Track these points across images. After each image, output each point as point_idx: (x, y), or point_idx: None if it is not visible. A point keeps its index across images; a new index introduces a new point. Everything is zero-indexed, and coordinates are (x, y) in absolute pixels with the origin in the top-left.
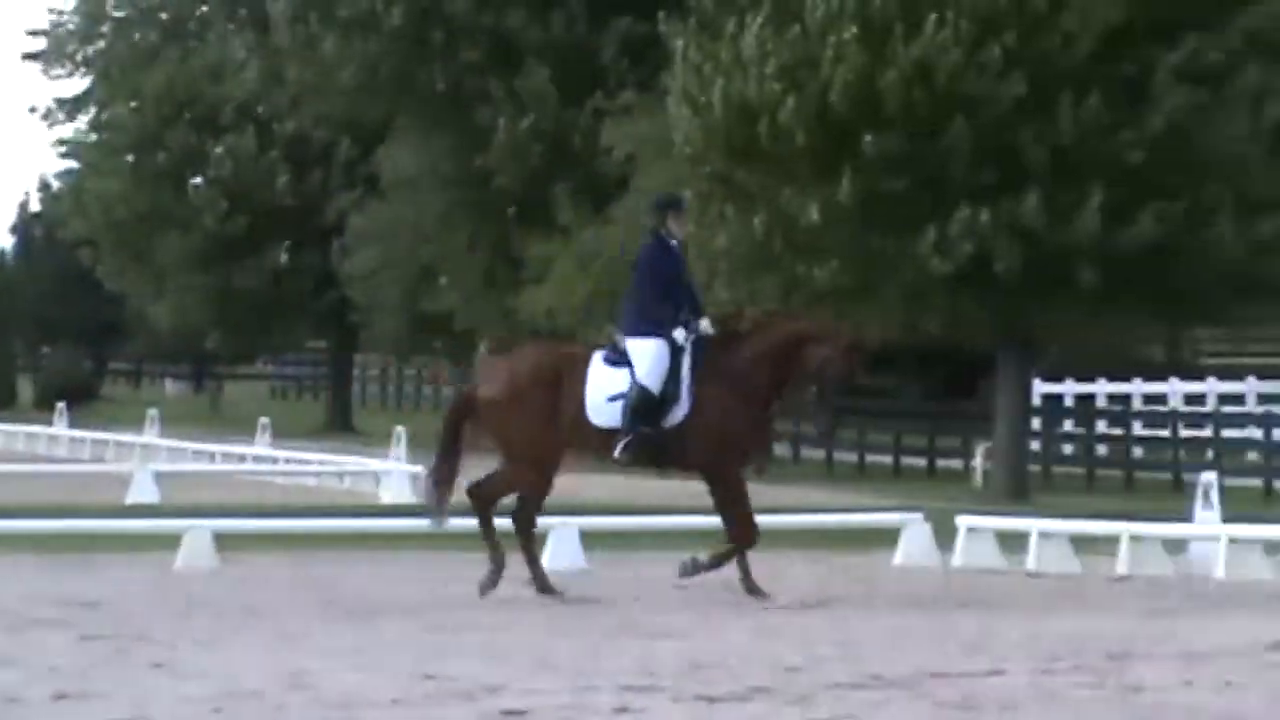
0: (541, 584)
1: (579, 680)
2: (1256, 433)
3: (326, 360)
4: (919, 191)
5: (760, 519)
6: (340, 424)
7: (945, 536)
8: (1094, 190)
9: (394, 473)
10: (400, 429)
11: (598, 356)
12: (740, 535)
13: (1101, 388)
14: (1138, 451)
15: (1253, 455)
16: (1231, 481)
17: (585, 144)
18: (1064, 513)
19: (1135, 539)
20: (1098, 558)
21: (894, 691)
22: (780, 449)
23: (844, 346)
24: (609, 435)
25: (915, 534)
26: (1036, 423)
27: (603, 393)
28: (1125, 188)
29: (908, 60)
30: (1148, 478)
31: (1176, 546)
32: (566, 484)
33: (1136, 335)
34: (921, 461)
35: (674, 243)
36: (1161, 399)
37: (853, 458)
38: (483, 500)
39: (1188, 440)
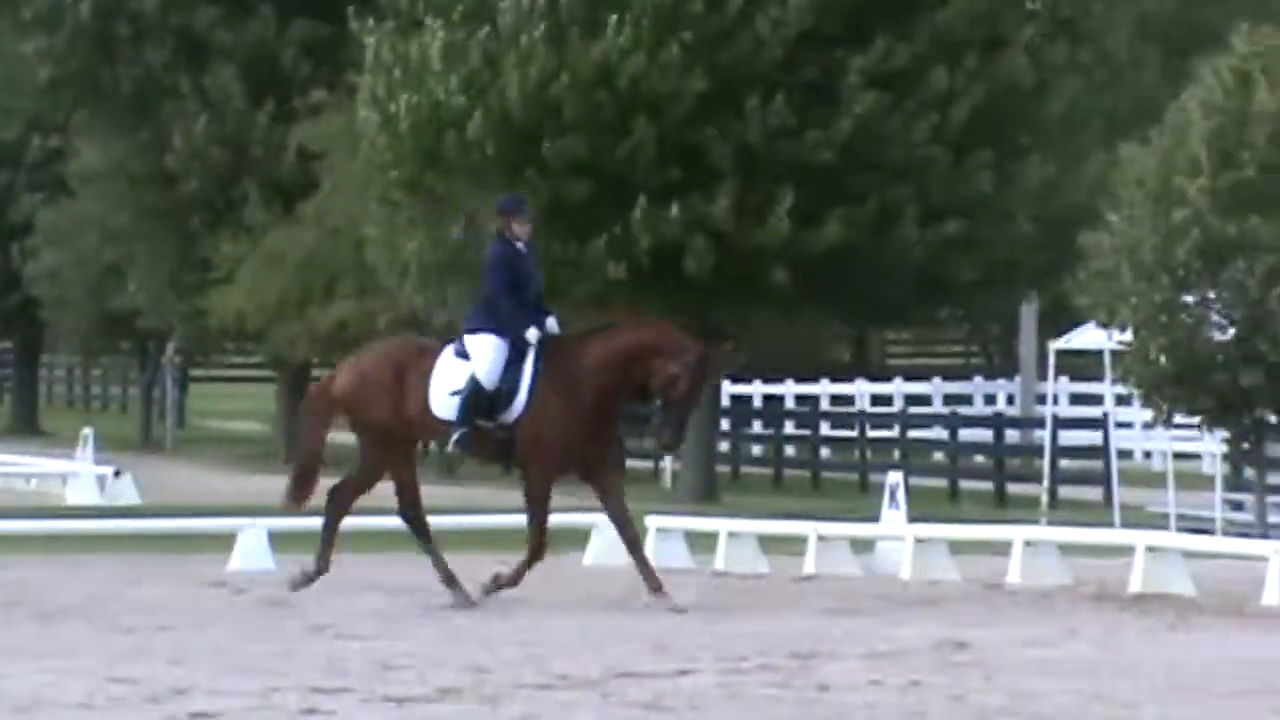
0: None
1: (267, 682)
2: (942, 433)
3: (12, 360)
4: (603, 194)
5: (447, 520)
6: (26, 425)
7: None
8: (784, 192)
9: (81, 474)
10: (88, 430)
11: (448, 350)
12: (531, 544)
13: (789, 389)
14: (825, 452)
15: (938, 455)
16: (917, 481)
17: (269, 144)
18: (752, 513)
19: (822, 539)
20: (785, 558)
21: (582, 692)
22: None
23: (691, 363)
24: (449, 427)
25: (603, 535)
26: (725, 424)
27: (446, 386)
28: (814, 190)
29: (588, 62)
30: (835, 478)
31: (863, 546)
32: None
33: (825, 336)
34: None
35: (520, 244)
36: (849, 400)
37: None
38: (337, 504)
39: (874, 441)
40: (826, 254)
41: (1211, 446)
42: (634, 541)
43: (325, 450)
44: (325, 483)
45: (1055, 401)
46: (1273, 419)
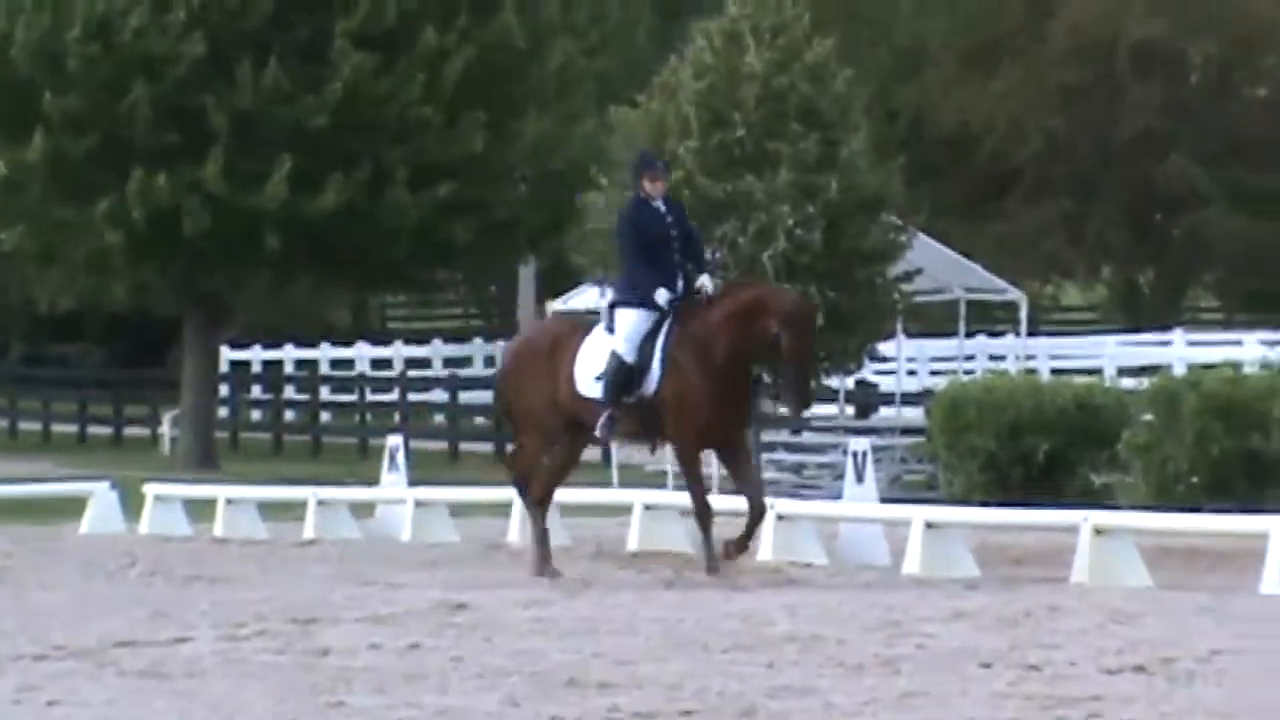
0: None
1: None
2: (443, 395)
3: None
4: (103, 155)
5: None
6: None
7: (134, 505)
8: (281, 156)
9: None
10: None
11: (599, 327)
12: (697, 511)
13: (289, 354)
14: (326, 417)
15: (439, 418)
16: (418, 444)
17: None
18: (251, 479)
19: (323, 503)
20: (286, 523)
21: (78, 662)
22: None
23: (787, 318)
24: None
25: (102, 503)
26: (225, 390)
27: (593, 365)
28: (311, 154)
29: (92, 15)
30: (336, 442)
31: (364, 510)
32: None
33: (325, 301)
34: (109, 430)
35: (657, 202)
36: (349, 364)
37: (37, 426)
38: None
39: (375, 404)
40: (324, 218)
41: None
42: (761, 513)
43: None
44: None
45: None
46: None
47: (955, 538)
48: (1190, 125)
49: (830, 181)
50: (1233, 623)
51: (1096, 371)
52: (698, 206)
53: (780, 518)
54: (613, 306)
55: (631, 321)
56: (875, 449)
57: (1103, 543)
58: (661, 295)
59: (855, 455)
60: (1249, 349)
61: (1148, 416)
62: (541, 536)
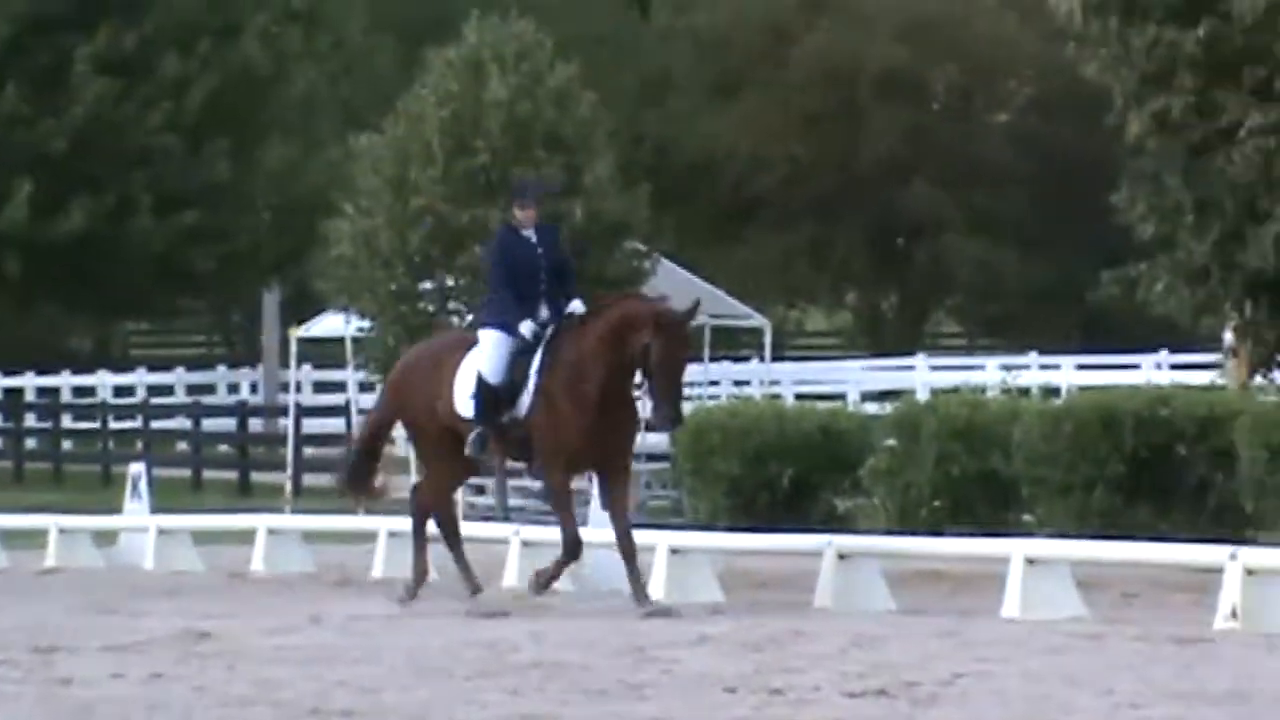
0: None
1: None
2: (186, 423)
3: None
4: None
5: None
6: None
7: None
8: (20, 180)
9: None
10: None
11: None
12: (566, 544)
13: (30, 381)
14: (68, 444)
15: (183, 445)
16: (162, 472)
17: None
18: None
19: (64, 532)
20: (27, 552)
21: None
22: None
23: (656, 325)
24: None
25: None
26: None
27: (467, 383)
28: (54, 178)
29: None
30: (79, 470)
31: (107, 538)
32: None
33: (67, 327)
34: None
35: (527, 231)
36: (91, 391)
37: None
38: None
39: (118, 432)
40: (66, 244)
41: None
42: (629, 554)
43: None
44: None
45: (299, 389)
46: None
47: (700, 563)
48: (932, 151)
49: (574, 208)
50: (974, 646)
51: (840, 396)
52: (441, 234)
53: (526, 544)
54: (480, 328)
55: (493, 343)
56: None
57: (846, 567)
58: (525, 327)
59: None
60: (990, 373)
61: (890, 441)
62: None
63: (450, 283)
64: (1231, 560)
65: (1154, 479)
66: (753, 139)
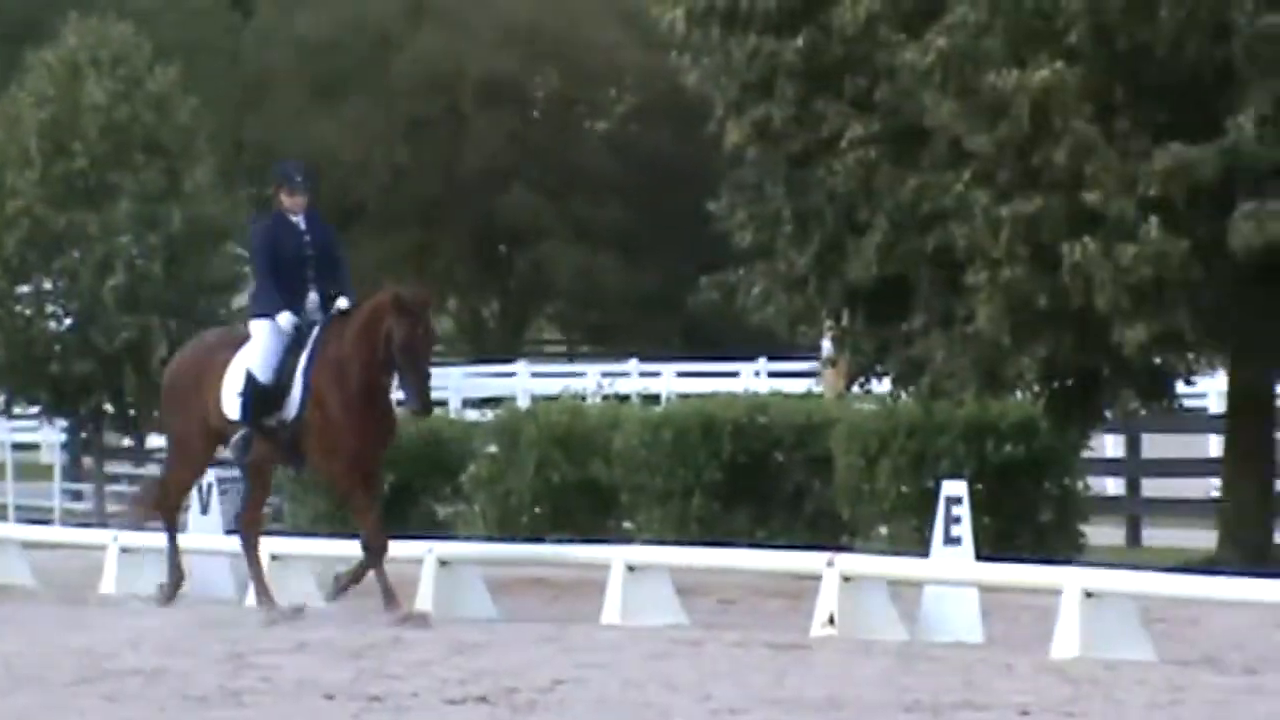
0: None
1: None
2: None
3: None
4: None
5: None
6: None
7: None
8: None
9: None
10: None
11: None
12: (368, 544)
13: None
14: None
15: None
16: None
17: None
18: None
19: None
20: None
21: None
22: None
23: (396, 308)
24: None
25: None
26: None
27: (237, 382)
28: None
29: None
30: None
31: None
32: None
33: None
34: None
35: (296, 217)
36: None
37: None
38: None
39: None
40: None
41: (51, 436)
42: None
43: None
44: None
45: None
46: (110, 408)
47: (303, 568)
48: (533, 159)
49: (173, 212)
50: (574, 652)
51: (442, 403)
52: (39, 237)
53: (125, 551)
54: (249, 319)
55: (265, 337)
56: (220, 481)
57: (446, 574)
58: (285, 319)
59: (200, 488)
60: (591, 380)
61: (491, 448)
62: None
63: (48, 286)
64: (829, 567)
65: (752, 486)
66: (356, 144)
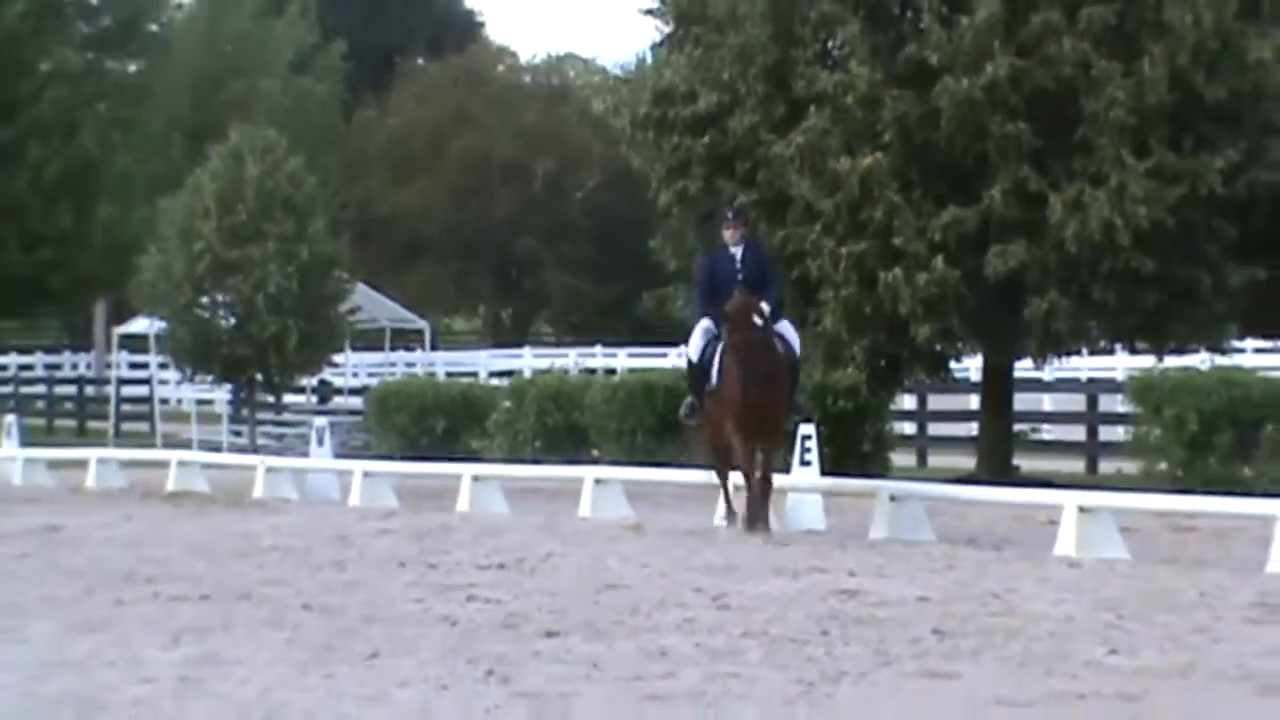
0: None
1: None
2: (43, 389)
3: None
4: None
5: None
6: None
7: None
8: None
9: None
10: None
11: None
12: (746, 474)
13: None
14: None
15: (41, 404)
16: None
17: None
18: None
19: None
20: None
21: None
22: None
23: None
24: None
25: None
26: None
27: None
28: None
29: None
30: None
31: None
32: None
33: None
34: None
35: (734, 249)
36: None
37: None
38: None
39: None
40: None
41: (220, 395)
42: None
43: None
44: None
45: (119, 367)
46: (259, 377)
47: (384, 482)
48: (535, 215)
49: (302, 249)
50: (560, 536)
51: (475, 374)
52: (215, 266)
53: (269, 470)
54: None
55: (697, 335)
56: (331, 424)
57: (478, 486)
58: (705, 322)
59: (317, 429)
60: (571, 360)
61: (507, 403)
62: None
63: (220, 297)
64: (730, 481)
65: (676, 427)
66: (421, 205)
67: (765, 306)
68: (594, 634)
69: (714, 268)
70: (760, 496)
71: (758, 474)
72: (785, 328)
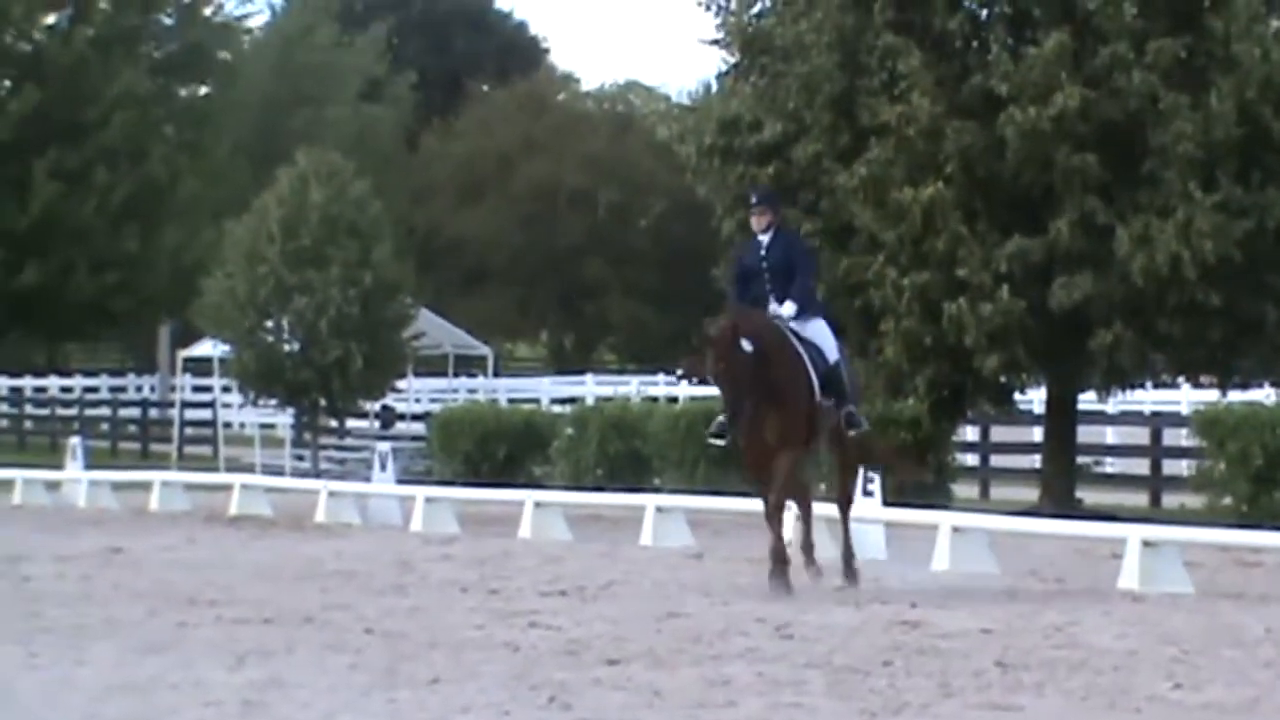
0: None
1: None
2: (107, 411)
3: None
4: None
5: None
6: None
7: None
8: None
9: None
10: None
11: None
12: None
13: (3, 382)
14: (29, 424)
15: (105, 425)
16: (91, 443)
17: None
18: None
19: (27, 481)
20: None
21: None
22: None
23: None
24: None
25: None
26: None
27: None
28: (16, 249)
29: None
30: (36, 441)
31: (55, 486)
32: None
33: (28, 347)
34: None
35: (762, 236)
36: (45, 389)
37: None
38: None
39: (63, 416)
40: (26, 292)
41: (284, 419)
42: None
43: None
44: None
45: (183, 390)
46: (322, 401)
47: (446, 507)
48: (600, 242)
49: (366, 274)
50: (622, 564)
51: (537, 400)
52: (279, 289)
53: (332, 494)
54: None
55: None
56: (394, 449)
57: (540, 512)
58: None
59: (379, 454)
60: (633, 388)
61: (569, 430)
62: None
63: (284, 321)
64: (790, 511)
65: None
66: (487, 231)
67: (769, 315)
68: (655, 662)
69: (742, 259)
70: (807, 531)
71: (800, 505)
72: (816, 329)
